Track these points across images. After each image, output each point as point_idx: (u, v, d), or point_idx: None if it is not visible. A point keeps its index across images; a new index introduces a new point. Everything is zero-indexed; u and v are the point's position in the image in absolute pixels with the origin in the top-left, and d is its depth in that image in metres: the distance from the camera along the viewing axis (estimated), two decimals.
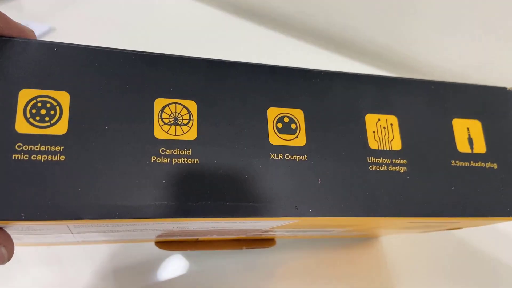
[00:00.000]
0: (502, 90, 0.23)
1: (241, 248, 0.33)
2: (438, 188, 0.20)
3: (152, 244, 0.32)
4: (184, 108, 0.18)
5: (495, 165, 0.22)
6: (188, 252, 0.34)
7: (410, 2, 0.50)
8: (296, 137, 0.19)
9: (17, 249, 0.31)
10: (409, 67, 0.54)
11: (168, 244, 0.32)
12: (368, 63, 0.53)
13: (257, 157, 0.18)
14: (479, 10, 0.47)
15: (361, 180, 0.19)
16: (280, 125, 0.19)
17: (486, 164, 0.21)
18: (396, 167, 0.20)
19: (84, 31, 0.56)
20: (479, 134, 0.22)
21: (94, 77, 0.17)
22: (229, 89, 0.19)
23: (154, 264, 0.33)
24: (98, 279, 0.31)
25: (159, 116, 0.17)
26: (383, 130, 0.20)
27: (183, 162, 0.17)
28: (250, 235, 0.31)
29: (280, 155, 0.19)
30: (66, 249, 0.32)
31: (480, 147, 0.22)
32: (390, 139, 0.20)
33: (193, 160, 0.17)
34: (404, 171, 0.20)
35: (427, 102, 0.22)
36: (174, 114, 0.18)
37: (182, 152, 0.17)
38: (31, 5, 0.62)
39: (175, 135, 0.17)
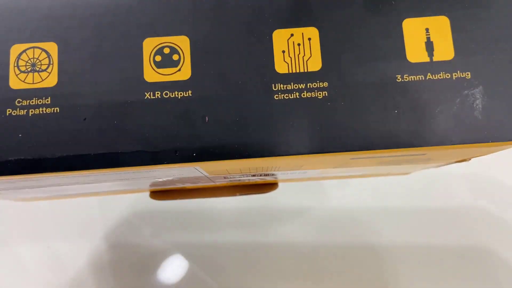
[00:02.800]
0: None
1: (235, 195, 0.31)
2: (375, 113, 0.16)
3: (148, 238, 0.32)
4: (43, 52, 0.16)
5: (467, 74, 0.16)
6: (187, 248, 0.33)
7: None
8: (179, 70, 0.16)
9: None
10: None
11: (159, 194, 0.31)
12: None
13: (129, 98, 0.16)
14: None
15: (263, 114, 0.16)
16: (158, 58, 0.16)
17: (453, 74, 0.16)
18: (313, 93, 0.16)
19: None
20: (445, 35, 0.16)
21: None
22: (95, 24, 0.16)
23: (152, 261, 0.33)
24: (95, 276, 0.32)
25: (15, 64, 0.16)
26: (296, 48, 0.16)
27: (41, 112, 0.16)
28: (244, 179, 0.29)
29: (158, 93, 0.16)
30: (66, 247, 0.32)
31: (445, 52, 0.16)
32: (306, 58, 0.16)
33: (52, 109, 0.16)
34: (324, 96, 0.16)
35: (364, 1, 0.16)
36: (32, 60, 0.16)
37: (40, 102, 0.16)
38: None
39: (33, 83, 0.16)
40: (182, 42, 0.16)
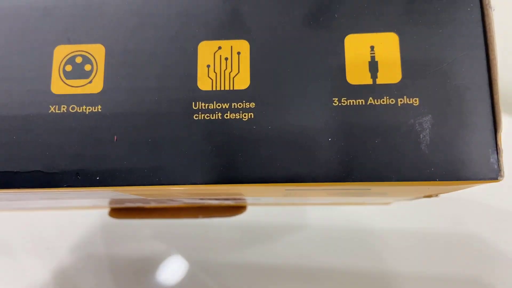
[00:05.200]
0: None
1: (197, 217, 0.29)
2: (306, 140, 0.14)
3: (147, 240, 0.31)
4: None
5: (415, 101, 0.14)
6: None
7: None
8: (90, 82, 0.14)
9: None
10: None
11: (119, 212, 0.30)
12: None
13: (32, 111, 0.14)
14: None
15: (179, 136, 0.14)
16: (69, 68, 0.14)
17: (399, 99, 0.14)
18: (237, 114, 0.14)
19: None
20: (393, 54, 0.14)
21: None
22: (6, 27, 0.15)
23: (151, 264, 0.31)
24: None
25: None
26: (223, 63, 0.14)
27: None
28: (211, 202, 0.27)
29: (64, 107, 0.14)
30: (66, 248, 0.32)
31: (391, 74, 0.14)
32: (233, 74, 0.14)
33: None
34: (250, 119, 0.14)
35: (303, 14, 0.14)
36: None
37: None
38: None
39: None
40: (97, 51, 0.15)
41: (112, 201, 0.26)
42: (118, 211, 0.30)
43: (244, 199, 0.26)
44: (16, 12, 0.15)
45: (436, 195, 0.19)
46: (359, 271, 0.30)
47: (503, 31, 0.17)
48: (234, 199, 0.25)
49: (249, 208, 0.30)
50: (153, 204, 0.26)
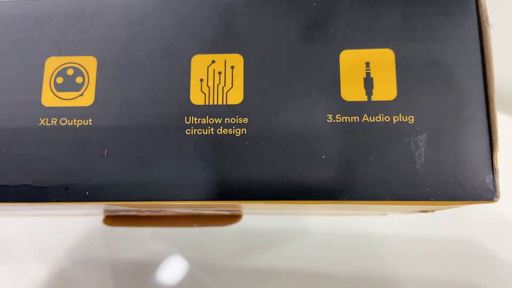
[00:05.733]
0: None
1: (192, 226, 0.29)
2: (298, 158, 0.13)
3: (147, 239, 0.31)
4: None
5: (410, 119, 0.13)
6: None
7: None
8: (81, 94, 0.14)
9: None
10: None
11: (113, 219, 0.29)
12: None
13: (22, 124, 0.14)
14: None
15: (171, 151, 0.14)
16: (60, 80, 0.14)
17: (394, 117, 0.13)
18: (230, 129, 0.14)
19: None
20: (389, 71, 0.14)
21: None
22: None
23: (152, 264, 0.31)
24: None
25: None
26: (217, 77, 0.14)
27: None
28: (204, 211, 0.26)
29: (54, 120, 0.14)
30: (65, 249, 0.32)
31: (386, 91, 0.14)
32: (226, 88, 0.14)
33: None
34: (243, 134, 0.14)
35: (298, 28, 0.14)
36: None
37: None
38: None
39: None
40: (89, 63, 0.14)
41: (106, 210, 0.26)
42: (113, 219, 0.29)
43: (239, 210, 0.26)
44: (8, 22, 0.15)
45: (432, 211, 0.19)
46: (359, 277, 0.29)
47: (500, 38, 0.17)
48: (229, 210, 0.24)
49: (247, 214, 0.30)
50: (147, 213, 0.26)
